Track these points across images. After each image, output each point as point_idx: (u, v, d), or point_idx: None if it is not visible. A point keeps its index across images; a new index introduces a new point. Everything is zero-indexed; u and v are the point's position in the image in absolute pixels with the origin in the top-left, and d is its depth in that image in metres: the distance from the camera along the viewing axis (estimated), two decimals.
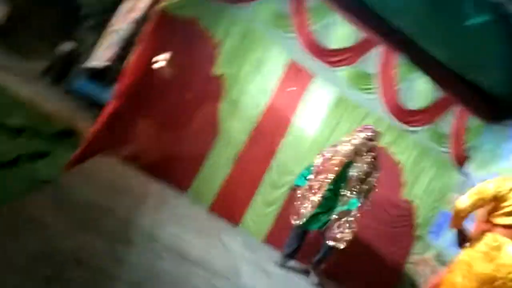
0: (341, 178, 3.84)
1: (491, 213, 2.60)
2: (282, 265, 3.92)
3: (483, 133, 5.17)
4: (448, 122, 5.14)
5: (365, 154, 3.86)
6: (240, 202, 4.63)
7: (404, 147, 5.02)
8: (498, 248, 2.46)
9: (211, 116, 4.54)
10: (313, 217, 3.82)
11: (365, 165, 3.84)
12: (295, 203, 3.97)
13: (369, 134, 3.89)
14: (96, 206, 2.47)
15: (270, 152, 4.70)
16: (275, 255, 4.38)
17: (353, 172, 3.83)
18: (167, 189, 4.17)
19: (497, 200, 2.55)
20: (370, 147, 3.87)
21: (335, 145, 4.03)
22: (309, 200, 3.85)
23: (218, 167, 4.59)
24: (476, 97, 5.09)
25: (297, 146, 4.74)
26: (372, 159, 3.88)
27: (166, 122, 4.43)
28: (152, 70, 4.32)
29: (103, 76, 6.97)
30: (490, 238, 2.52)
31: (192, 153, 4.49)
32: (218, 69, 4.52)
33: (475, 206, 2.59)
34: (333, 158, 3.90)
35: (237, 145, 4.61)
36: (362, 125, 4.29)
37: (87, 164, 3.39)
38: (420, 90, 5.05)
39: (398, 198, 4.38)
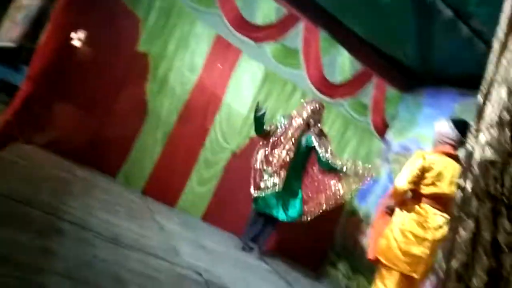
0: (298, 152, 4.08)
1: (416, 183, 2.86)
2: (246, 249, 4.10)
3: (400, 103, 5.56)
4: (369, 93, 5.44)
5: (313, 126, 4.10)
6: (175, 183, 4.56)
7: (330, 120, 5.24)
8: (425, 214, 2.78)
9: (138, 96, 4.35)
10: (277, 201, 4.05)
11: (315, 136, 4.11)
12: (253, 176, 4.05)
13: (316, 106, 4.15)
14: (17, 198, 2.28)
15: (202, 131, 4.64)
16: (214, 232, 4.41)
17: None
18: (94, 175, 3.97)
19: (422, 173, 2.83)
20: (317, 119, 4.14)
21: (286, 120, 4.21)
22: (267, 173, 4.04)
23: (148, 149, 4.44)
24: (393, 69, 5.43)
25: (229, 123, 4.74)
26: (320, 130, 4.16)
27: (88, 104, 4.17)
28: (69, 49, 4.02)
29: (13, 57, 6.34)
30: (417, 207, 2.82)
31: (119, 136, 4.29)
32: (142, 46, 4.32)
33: (412, 184, 2.84)
34: (287, 132, 4.09)
35: (167, 125, 4.49)
36: (307, 99, 4.51)
37: (3, 153, 3.11)
38: (341, 64, 5.26)
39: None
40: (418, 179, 2.82)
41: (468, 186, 1.01)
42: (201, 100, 4.59)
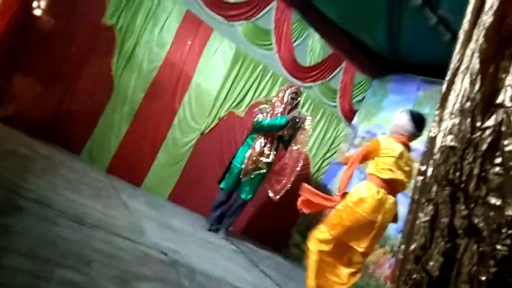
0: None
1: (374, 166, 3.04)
2: (213, 230, 4.12)
3: (368, 88, 5.66)
4: (338, 78, 5.50)
5: (292, 110, 4.18)
6: (141, 162, 4.48)
7: (299, 102, 5.27)
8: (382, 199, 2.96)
9: (103, 71, 4.21)
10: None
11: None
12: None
13: (294, 91, 4.25)
14: None
15: (171, 109, 4.56)
16: (180, 212, 4.40)
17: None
18: (57, 152, 3.84)
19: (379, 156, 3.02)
20: (295, 104, 4.23)
21: (265, 106, 4.24)
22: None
23: (114, 126, 4.33)
24: (362, 54, 5.50)
25: (198, 103, 4.68)
26: (299, 114, 4.22)
27: (51, 77, 4.00)
28: (30, 17, 3.82)
29: None
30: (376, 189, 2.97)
31: (83, 112, 4.16)
32: (108, 19, 4.16)
33: (364, 160, 3.09)
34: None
35: (134, 102, 4.38)
36: (286, 85, 4.57)
37: None
38: (312, 47, 5.28)
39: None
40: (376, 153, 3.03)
41: (429, 171, 1.05)
42: (169, 77, 4.50)
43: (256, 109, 4.27)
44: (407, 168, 3.01)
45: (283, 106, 4.20)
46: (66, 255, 1.84)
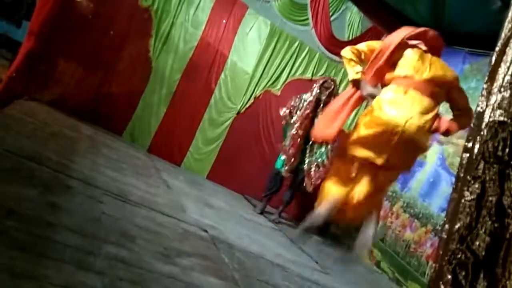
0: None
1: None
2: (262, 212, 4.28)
3: None
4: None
5: (324, 103, 4.04)
6: (180, 142, 4.57)
7: (337, 78, 5.15)
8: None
9: (141, 53, 4.28)
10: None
11: None
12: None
13: (327, 82, 4.15)
14: (24, 154, 2.30)
15: (207, 90, 4.60)
16: (219, 190, 4.47)
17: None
18: (100, 133, 3.98)
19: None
20: (328, 95, 4.09)
21: (298, 99, 4.17)
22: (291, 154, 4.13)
23: (153, 107, 4.43)
24: (402, 26, 5.25)
25: (234, 82, 4.68)
26: None
27: (91, 60, 4.12)
28: (70, 3, 3.91)
29: (13, 12, 6.22)
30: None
31: (124, 93, 4.27)
32: (144, 1, 4.19)
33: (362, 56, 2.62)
34: (300, 111, 4.10)
35: (172, 83, 4.44)
36: (320, 77, 4.51)
37: (8, 110, 3.11)
38: (350, 21, 5.11)
39: None
40: None
41: (476, 148, 1.00)
42: (205, 57, 4.51)
43: (284, 109, 4.18)
44: None
45: (312, 96, 4.09)
46: (111, 232, 1.92)
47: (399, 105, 2.38)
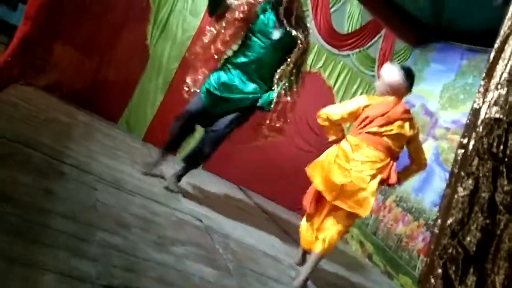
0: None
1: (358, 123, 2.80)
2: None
3: (409, 57, 5.44)
4: (377, 46, 5.31)
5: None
6: None
7: (335, 72, 5.15)
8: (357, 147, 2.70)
9: (139, 40, 4.24)
10: None
11: None
12: None
13: None
14: (19, 140, 2.29)
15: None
16: (215, 180, 4.47)
17: None
18: (95, 120, 3.96)
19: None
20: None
21: None
22: None
23: (149, 96, 4.40)
24: (403, 21, 5.25)
25: None
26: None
27: (88, 46, 4.08)
28: None
29: None
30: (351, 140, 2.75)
31: (120, 81, 4.23)
32: None
33: (347, 120, 2.90)
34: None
35: (169, 72, 4.41)
36: None
37: (3, 95, 3.09)
38: (350, 13, 5.08)
39: None
40: None
41: (471, 144, 1.00)
42: None
43: None
44: None
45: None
46: (105, 219, 1.92)
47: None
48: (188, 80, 3.13)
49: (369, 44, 5.26)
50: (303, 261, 2.95)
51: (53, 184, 1.98)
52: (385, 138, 2.69)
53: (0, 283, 1.14)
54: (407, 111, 2.79)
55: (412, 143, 2.82)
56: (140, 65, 4.29)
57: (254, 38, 2.97)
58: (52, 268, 1.32)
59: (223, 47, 3.01)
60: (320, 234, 2.73)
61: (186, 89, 3.11)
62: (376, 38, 5.26)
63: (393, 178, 2.67)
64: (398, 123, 2.71)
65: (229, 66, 3.05)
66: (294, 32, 2.98)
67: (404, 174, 2.86)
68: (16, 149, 2.16)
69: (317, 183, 2.78)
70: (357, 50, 5.22)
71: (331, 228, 2.70)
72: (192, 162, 3.24)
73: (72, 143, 2.83)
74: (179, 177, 3.16)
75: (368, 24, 5.17)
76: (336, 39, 5.06)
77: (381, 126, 2.69)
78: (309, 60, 4.85)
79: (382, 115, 2.70)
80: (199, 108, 3.05)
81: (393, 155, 2.72)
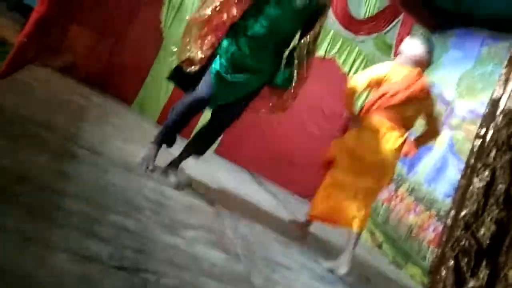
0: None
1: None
2: None
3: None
4: (394, 31, 5.20)
5: None
6: None
7: (350, 58, 5.07)
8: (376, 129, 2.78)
9: (153, 23, 4.23)
10: None
11: None
12: None
13: None
14: (34, 121, 2.32)
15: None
16: (227, 165, 4.49)
17: None
18: (109, 102, 3.99)
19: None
20: None
21: None
22: None
23: (163, 78, 4.39)
24: (421, 6, 5.12)
25: None
26: None
27: (103, 28, 4.09)
28: None
29: None
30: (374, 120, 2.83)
31: (134, 63, 4.25)
32: None
33: (367, 87, 2.94)
34: None
35: None
36: None
37: (18, 76, 3.12)
38: None
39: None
40: None
41: (489, 135, 0.98)
42: None
43: None
44: None
45: None
46: (118, 201, 1.94)
47: None
48: (192, 53, 2.49)
49: (387, 29, 5.15)
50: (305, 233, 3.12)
51: (66, 166, 2.00)
52: (406, 112, 2.78)
53: (15, 260, 1.16)
54: (428, 85, 2.88)
55: (432, 115, 2.93)
56: (154, 48, 4.30)
57: (273, 3, 2.47)
58: (64, 247, 1.34)
59: (237, 11, 2.43)
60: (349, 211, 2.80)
61: (188, 68, 2.52)
62: (393, 23, 5.15)
63: (413, 150, 2.86)
64: (421, 95, 2.80)
65: (240, 37, 2.50)
66: None
67: (419, 142, 2.99)
68: (30, 130, 2.19)
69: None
70: (374, 35, 5.12)
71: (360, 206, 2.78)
72: (195, 148, 2.92)
73: (87, 125, 2.86)
74: (175, 163, 2.80)
75: (385, 9, 5.06)
76: (353, 24, 4.98)
77: (405, 100, 2.75)
78: (324, 46, 4.79)
79: (406, 88, 2.75)
80: (209, 95, 2.54)
81: (410, 126, 2.86)
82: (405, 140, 2.79)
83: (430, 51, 2.88)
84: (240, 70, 2.54)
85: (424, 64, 2.89)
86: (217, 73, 2.52)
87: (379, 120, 2.78)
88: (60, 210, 1.56)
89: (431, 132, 2.99)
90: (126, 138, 3.16)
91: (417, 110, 2.83)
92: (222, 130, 2.89)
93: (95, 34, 4.08)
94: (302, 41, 2.59)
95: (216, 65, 2.53)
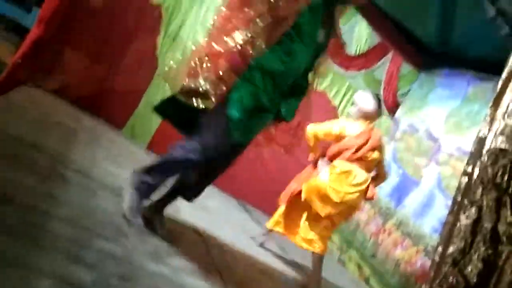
0: None
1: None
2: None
3: (415, 81, 5.46)
4: (383, 68, 5.34)
5: None
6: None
7: (341, 92, 5.17)
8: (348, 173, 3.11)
9: (148, 50, 4.29)
10: None
11: None
12: None
13: None
14: (23, 141, 2.30)
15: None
16: (215, 192, 4.46)
17: None
18: (101, 126, 3.98)
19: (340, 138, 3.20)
20: None
21: None
22: None
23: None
24: (410, 45, 5.29)
25: None
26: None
27: (98, 53, 4.12)
28: None
29: None
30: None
31: (127, 89, 4.27)
32: None
33: (331, 138, 3.26)
34: None
35: None
36: None
37: (11, 96, 3.11)
38: (359, 35, 5.13)
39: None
40: None
41: (475, 173, 1.00)
42: None
43: None
44: None
45: None
46: (105, 226, 1.92)
47: None
48: (204, 85, 2.10)
49: (376, 66, 5.29)
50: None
51: (55, 188, 1.98)
52: (367, 162, 3.14)
53: None
54: (381, 137, 3.26)
55: (382, 161, 3.31)
56: (148, 75, 4.34)
57: (298, 39, 2.23)
58: (47, 272, 1.31)
59: (265, 45, 2.12)
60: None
61: (193, 101, 2.11)
62: (383, 60, 5.30)
63: (375, 195, 3.21)
64: (379, 147, 3.19)
65: (256, 73, 2.18)
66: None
67: (374, 186, 3.27)
68: (20, 151, 2.17)
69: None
70: (363, 71, 5.25)
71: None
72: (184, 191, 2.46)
73: (77, 148, 2.84)
74: (159, 207, 2.37)
75: (376, 46, 5.21)
76: (344, 59, 5.10)
77: (366, 152, 3.10)
78: (316, 78, 4.88)
79: (366, 142, 3.11)
80: (226, 145, 2.17)
81: (371, 171, 3.26)
82: (369, 184, 3.14)
83: (380, 107, 3.31)
84: (260, 110, 2.22)
85: (375, 118, 3.28)
86: (239, 121, 2.12)
87: (346, 165, 3.11)
88: (46, 233, 1.53)
89: (382, 176, 3.33)
90: (117, 162, 3.15)
91: (376, 158, 3.16)
92: (223, 172, 2.45)
93: (89, 57, 4.11)
94: (309, 74, 2.51)
95: (235, 109, 2.12)
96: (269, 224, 3.43)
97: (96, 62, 4.15)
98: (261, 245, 3.45)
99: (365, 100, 3.23)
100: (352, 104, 3.39)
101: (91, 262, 1.52)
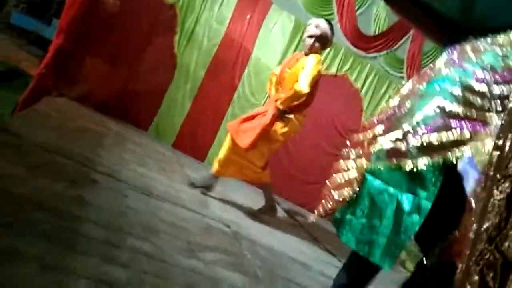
0: None
1: None
2: None
3: (438, 58, 5.28)
4: (405, 47, 5.20)
5: None
6: (204, 137, 4.61)
7: (362, 74, 5.08)
8: None
9: (166, 49, 4.34)
10: None
11: None
12: None
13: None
14: (52, 149, 2.37)
15: (231, 86, 4.61)
16: (241, 186, 4.48)
17: None
18: (126, 128, 4.05)
19: None
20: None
21: None
22: None
23: (178, 103, 4.48)
24: (431, 21, 5.12)
25: (258, 78, 4.68)
26: None
27: (117, 57, 4.20)
28: (97, 1, 3.99)
29: (44, 10, 6.40)
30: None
31: (149, 89, 4.33)
32: None
33: None
34: None
35: (196, 79, 4.48)
36: None
37: (37, 106, 3.20)
38: (377, 15, 5.01)
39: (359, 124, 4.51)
40: None
41: (507, 145, 0.96)
42: (229, 54, 4.52)
43: None
44: None
45: None
46: (136, 225, 1.95)
47: None
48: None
49: (397, 45, 5.16)
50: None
51: (84, 192, 2.03)
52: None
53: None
54: None
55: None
56: (168, 74, 4.38)
57: None
58: (83, 274, 1.34)
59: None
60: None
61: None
62: (404, 39, 5.16)
63: None
64: None
65: None
66: None
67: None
68: (49, 158, 2.23)
69: None
70: (385, 52, 5.13)
71: None
72: None
73: (103, 152, 2.90)
74: None
75: (395, 25, 5.08)
76: (362, 41, 5.00)
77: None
78: (336, 63, 4.82)
79: None
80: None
81: None
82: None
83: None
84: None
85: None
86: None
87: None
88: (79, 236, 1.57)
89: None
90: (143, 162, 3.20)
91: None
92: None
93: (110, 62, 4.19)
94: None
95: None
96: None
97: (117, 66, 4.23)
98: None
99: (324, 25, 3.44)
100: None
101: (125, 261, 1.55)
